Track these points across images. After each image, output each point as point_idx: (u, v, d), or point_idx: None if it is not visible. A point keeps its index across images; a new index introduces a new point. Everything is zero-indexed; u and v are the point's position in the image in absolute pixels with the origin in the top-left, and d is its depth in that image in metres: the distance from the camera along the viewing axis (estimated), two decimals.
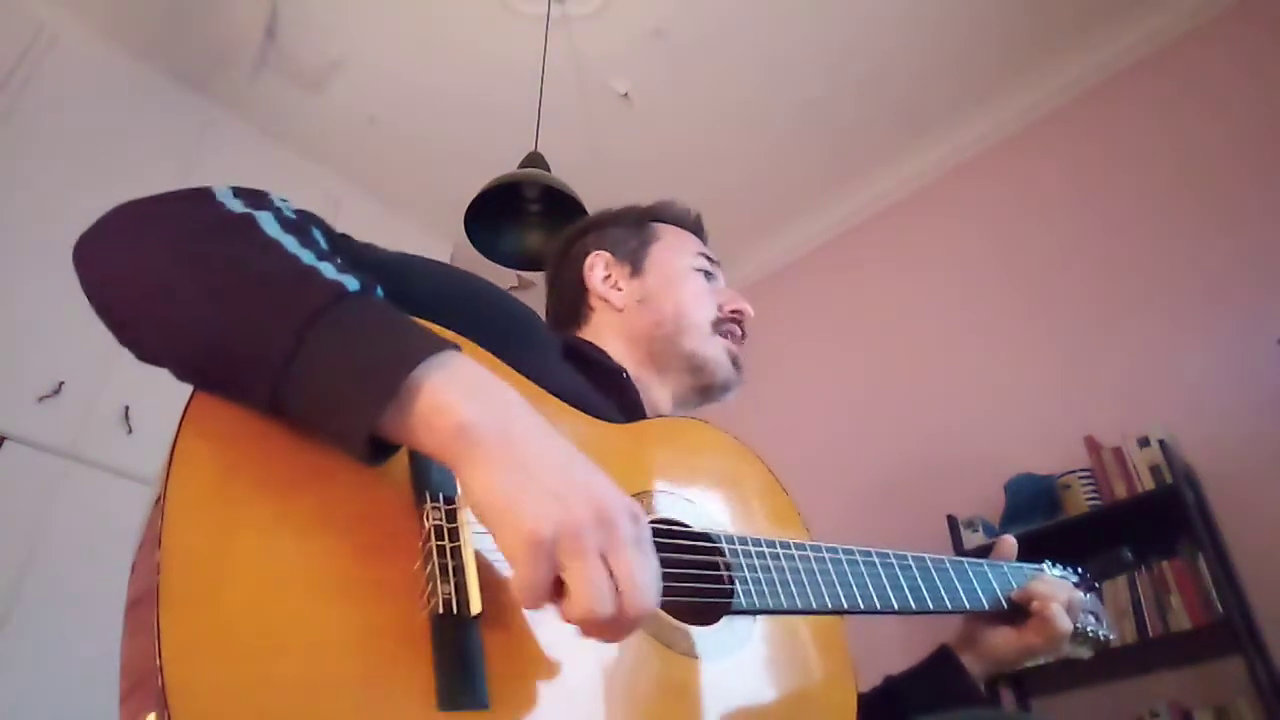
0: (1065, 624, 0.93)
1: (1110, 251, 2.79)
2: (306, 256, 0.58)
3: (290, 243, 0.59)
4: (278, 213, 0.62)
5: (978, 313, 3.05)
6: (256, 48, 2.94)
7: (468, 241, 2.33)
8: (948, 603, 0.87)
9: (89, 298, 0.58)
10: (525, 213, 2.34)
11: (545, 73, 2.67)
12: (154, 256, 0.57)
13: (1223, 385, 2.40)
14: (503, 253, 2.36)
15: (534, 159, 2.35)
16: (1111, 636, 1.06)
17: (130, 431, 2.43)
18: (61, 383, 2.35)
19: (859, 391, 3.26)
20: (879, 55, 3.02)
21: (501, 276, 3.19)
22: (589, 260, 1.07)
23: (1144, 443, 2.38)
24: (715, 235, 1.16)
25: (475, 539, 0.55)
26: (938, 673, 0.97)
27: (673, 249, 1.08)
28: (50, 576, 2.15)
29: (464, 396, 0.52)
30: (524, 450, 0.51)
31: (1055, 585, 0.96)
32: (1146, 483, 2.32)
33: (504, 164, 2.36)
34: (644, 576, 0.50)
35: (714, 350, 1.01)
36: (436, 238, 3.58)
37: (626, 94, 3.13)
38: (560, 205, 2.25)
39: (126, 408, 2.44)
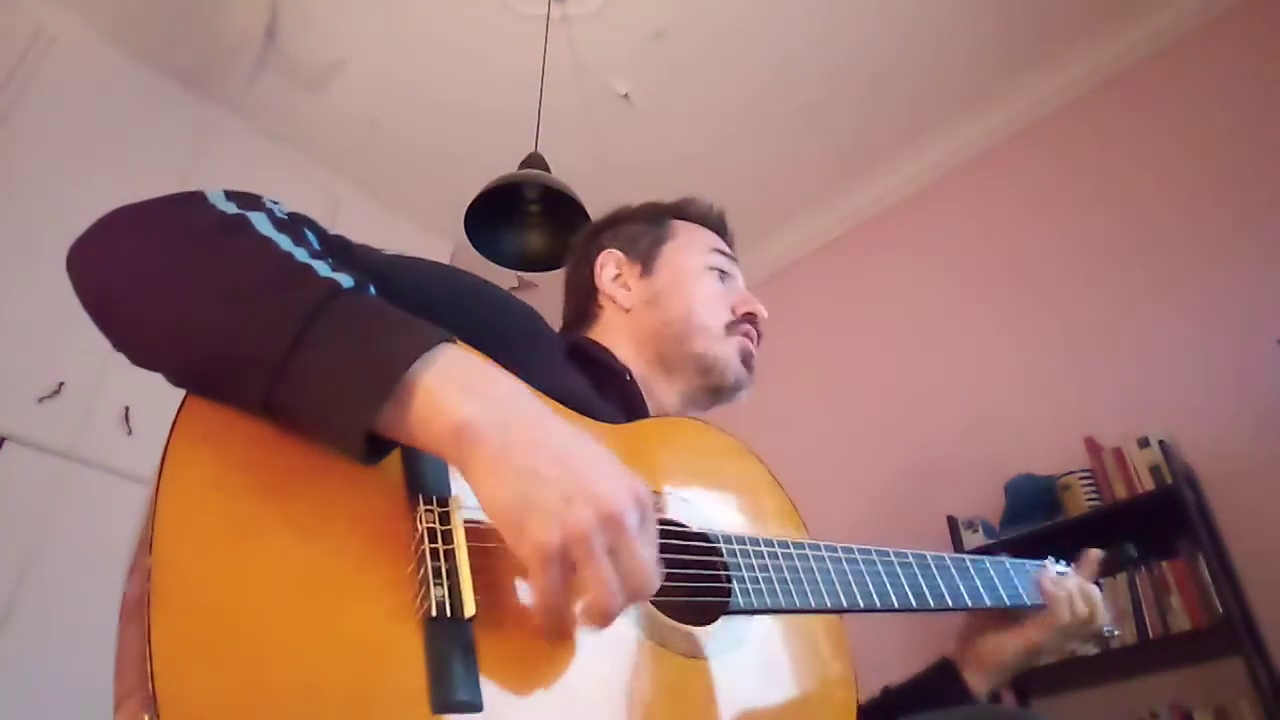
0: (1080, 610, 0.95)
1: (1110, 252, 2.79)
2: (300, 254, 0.58)
3: (283, 241, 0.58)
4: (270, 214, 0.61)
5: (977, 314, 3.05)
6: (256, 49, 2.94)
7: (468, 242, 2.33)
8: (948, 600, 0.86)
9: (83, 303, 0.58)
10: (525, 213, 2.34)
11: (545, 73, 2.67)
12: (147, 260, 0.57)
13: (1223, 385, 2.39)
14: (503, 253, 2.36)
15: (534, 160, 2.34)
16: (1116, 631, 1.07)
17: (130, 432, 2.43)
18: (61, 383, 2.35)
19: (858, 392, 3.25)
20: (881, 55, 3.01)
21: (502, 277, 3.19)
22: (600, 259, 1.06)
23: (1144, 443, 2.37)
24: None
25: (470, 540, 0.55)
26: (936, 685, 0.97)
27: (686, 248, 1.06)
28: (50, 577, 2.15)
29: (461, 393, 0.52)
30: (526, 450, 0.51)
31: (1066, 580, 0.98)
32: (1146, 483, 2.32)
33: (504, 165, 2.36)
34: (647, 567, 0.52)
35: (725, 350, 0.99)
36: (436, 238, 3.58)
37: (627, 95, 3.12)
38: (560, 206, 2.25)
39: (126, 409, 2.44)
